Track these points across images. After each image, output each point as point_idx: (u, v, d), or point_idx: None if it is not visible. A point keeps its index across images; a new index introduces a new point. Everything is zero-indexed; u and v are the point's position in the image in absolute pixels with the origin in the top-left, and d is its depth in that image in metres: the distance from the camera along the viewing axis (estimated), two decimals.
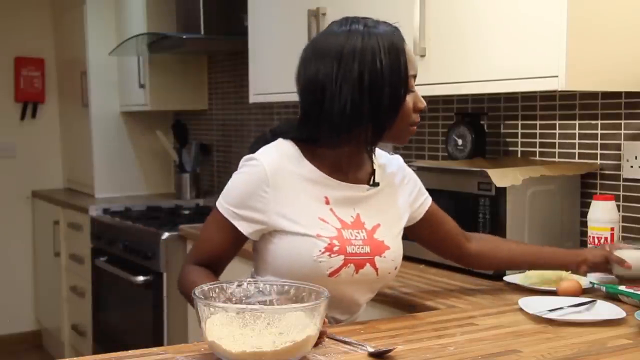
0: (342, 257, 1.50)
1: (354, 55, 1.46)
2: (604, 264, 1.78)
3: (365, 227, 1.56)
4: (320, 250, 1.49)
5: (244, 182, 1.51)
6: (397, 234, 1.63)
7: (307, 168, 1.53)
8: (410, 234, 1.72)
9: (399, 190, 1.66)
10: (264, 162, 1.50)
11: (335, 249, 1.50)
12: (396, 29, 1.53)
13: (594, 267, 1.80)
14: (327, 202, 1.53)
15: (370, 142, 1.52)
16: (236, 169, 1.55)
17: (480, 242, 1.81)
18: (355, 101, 1.45)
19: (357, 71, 1.45)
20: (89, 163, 4.29)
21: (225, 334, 1.17)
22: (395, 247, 1.59)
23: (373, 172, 1.60)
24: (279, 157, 1.52)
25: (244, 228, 1.51)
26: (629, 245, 1.81)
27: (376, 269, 1.55)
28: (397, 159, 1.70)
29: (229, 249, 1.56)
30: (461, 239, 1.78)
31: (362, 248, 1.53)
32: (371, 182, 1.59)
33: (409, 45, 1.54)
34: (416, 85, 1.53)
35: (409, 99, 1.50)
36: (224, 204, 1.52)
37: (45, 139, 4.79)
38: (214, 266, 1.56)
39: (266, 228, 1.51)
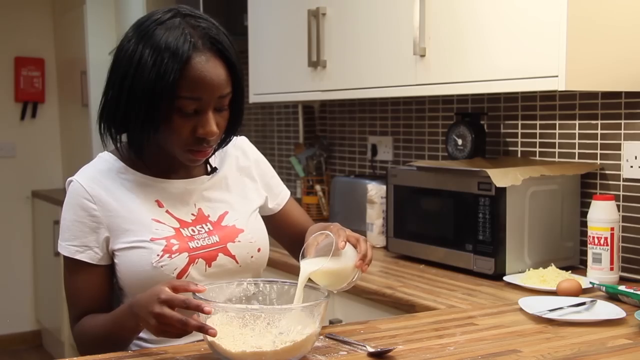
0: (185, 254, 1.39)
1: (122, 54, 1.34)
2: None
3: (210, 220, 1.45)
4: (157, 255, 1.37)
5: (71, 210, 1.41)
6: (250, 214, 1.51)
7: (131, 176, 1.43)
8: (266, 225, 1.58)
9: (247, 171, 1.57)
10: (80, 180, 1.43)
11: (175, 247, 1.38)
12: (206, 37, 1.32)
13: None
14: (161, 205, 1.43)
15: (135, 151, 1.39)
16: None
17: None
18: (114, 107, 1.35)
19: (120, 74, 1.33)
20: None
21: (225, 334, 1.17)
22: (250, 228, 1.48)
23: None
24: (94, 172, 1.44)
25: (92, 257, 1.40)
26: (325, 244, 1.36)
27: (233, 257, 1.44)
28: (242, 140, 1.60)
29: (101, 285, 1.42)
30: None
31: (209, 239, 1.42)
32: (209, 171, 1.50)
33: (200, 65, 1.30)
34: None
35: (183, 121, 1.32)
36: (64, 244, 1.41)
37: (45, 139, 4.79)
38: (100, 310, 1.42)
39: (108, 245, 1.41)
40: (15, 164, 4.71)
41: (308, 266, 1.29)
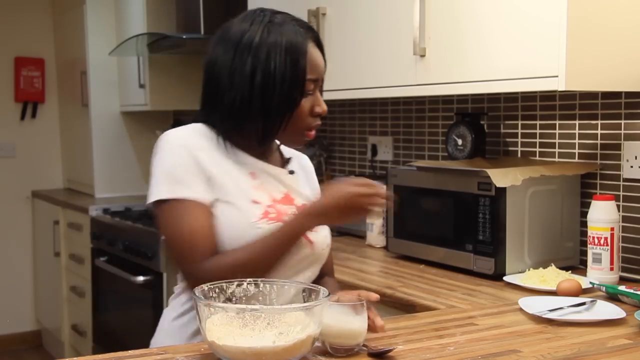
0: (280, 224, 1.41)
1: (250, 49, 1.42)
2: None
3: (296, 204, 1.50)
4: (257, 216, 1.42)
5: (170, 157, 1.42)
6: None
7: (228, 147, 1.47)
8: None
9: (311, 171, 1.66)
10: (178, 132, 1.45)
11: (272, 215, 1.43)
12: (308, 29, 1.48)
13: None
14: (255, 177, 1.48)
15: (260, 139, 1.47)
16: None
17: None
18: (244, 96, 1.42)
19: (250, 66, 1.42)
20: (89, 163, 4.29)
21: (225, 334, 1.17)
22: (323, 226, 1.54)
23: (286, 160, 1.58)
24: (191, 130, 1.47)
25: (202, 198, 1.40)
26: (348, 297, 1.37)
27: (311, 242, 1.48)
28: (305, 158, 1.67)
29: (212, 226, 1.41)
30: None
31: None
32: (288, 171, 1.56)
33: (313, 50, 1.46)
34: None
35: (306, 102, 1.45)
36: (166, 188, 1.40)
37: (45, 139, 4.79)
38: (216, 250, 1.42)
39: (209, 193, 1.42)
40: (15, 164, 4.71)
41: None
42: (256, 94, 1.42)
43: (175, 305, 1.54)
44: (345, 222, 1.40)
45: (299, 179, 1.58)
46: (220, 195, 1.42)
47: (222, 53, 1.46)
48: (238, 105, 1.43)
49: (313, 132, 1.50)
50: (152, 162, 1.45)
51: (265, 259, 1.39)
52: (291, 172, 1.56)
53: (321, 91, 1.51)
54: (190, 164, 1.41)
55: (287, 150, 1.62)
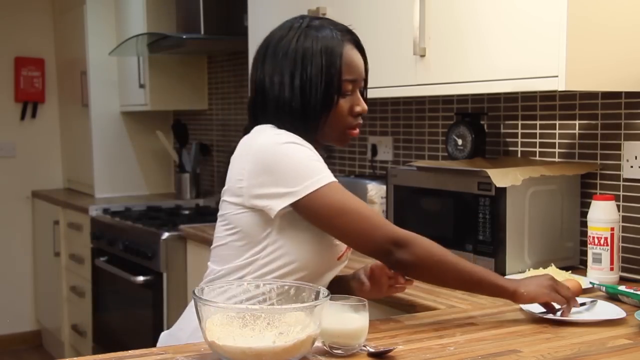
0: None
1: (287, 53, 1.49)
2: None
3: None
4: (338, 253, 1.52)
5: (300, 152, 1.44)
6: None
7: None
8: None
9: None
10: (289, 136, 1.47)
11: (340, 253, 1.53)
12: (346, 32, 1.54)
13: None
14: None
15: (307, 137, 1.49)
16: None
17: None
18: (285, 99, 1.48)
19: (288, 70, 1.48)
20: (89, 163, 4.29)
21: (225, 334, 1.17)
22: None
23: None
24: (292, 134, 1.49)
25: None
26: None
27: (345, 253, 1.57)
28: None
29: None
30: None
31: None
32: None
33: (351, 51, 1.53)
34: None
35: (345, 102, 1.51)
36: (321, 173, 1.43)
37: (45, 139, 4.79)
38: None
39: None
40: (15, 164, 4.71)
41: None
42: (296, 96, 1.47)
43: None
44: (536, 299, 1.49)
45: None
46: None
47: (267, 61, 1.51)
48: (280, 108, 1.48)
49: (356, 131, 1.56)
50: (277, 164, 1.42)
51: (457, 282, 1.49)
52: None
53: (362, 91, 1.57)
54: (317, 155, 1.47)
55: None
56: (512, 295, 1.47)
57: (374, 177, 2.83)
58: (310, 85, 1.47)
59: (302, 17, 1.56)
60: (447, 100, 2.64)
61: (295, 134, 1.48)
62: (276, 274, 1.45)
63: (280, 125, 1.49)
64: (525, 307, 1.57)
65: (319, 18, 1.56)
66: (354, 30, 1.57)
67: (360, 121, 1.56)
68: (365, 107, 1.56)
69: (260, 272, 1.46)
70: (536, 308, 1.55)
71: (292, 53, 1.48)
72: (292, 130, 1.48)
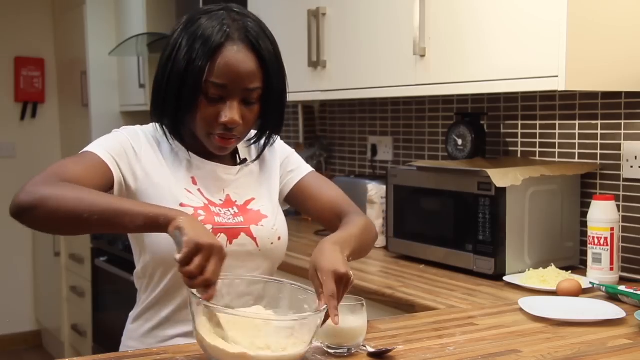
0: (209, 226, 1.38)
1: (170, 40, 1.39)
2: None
3: (237, 204, 1.47)
4: None
5: (115, 138, 1.42)
6: (276, 205, 1.53)
7: (176, 147, 1.46)
8: (289, 203, 1.60)
9: (274, 164, 1.57)
10: (130, 131, 1.45)
11: (201, 218, 1.38)
12: (245, 30, 1.36)
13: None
14: (194, 183, 1.44)
15: (170, 134, 1.44)
16: None
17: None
18: (158, 89, 1.40)
19: (165, 57, 1.39)
20: None
21: (219, 334, 1.16)
22: (274, 216, 1.49)
23: (242, 160, 1.52)
24: (141, 132, 1.46)
25: (116, 172, 1.38)
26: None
27: (254, 239, 1.43)
28: (274, 148, 1.58)
29: (93, 185, 1.36)
30: (335, 217, 1.55)
31: (235, 219, 1.44)
32: (238, 162, 1.51)
33: (233, 53, 1.35)
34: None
35: (211, 106, 1.36)
36: (101, 149, 1.39)
37: (45, 139, 4.79)
38: None
39: (132, 186, 1.40)
40: (15, 164, 4.71)
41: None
42: (163, 87, 1.38)
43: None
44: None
45: (253, 173, 1.52)
46: (149, 191, 1.40)
47: (173, 29, 1.43)
48: (154, 98, 1.42)
49: (225, 140, 1.39)
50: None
51: (113, 215, 1.25)
52: (243, 162, 1.51)
53: (247, 101, 1.38)
54: (126, 150, 1.40)
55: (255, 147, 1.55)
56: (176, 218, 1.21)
57: (374, 177, 2.83)
58: (176, 79, 1.35)
59: (223, 6, 1.40)
60: (447, 100, 2.64)
61: (162, 123, 1.43)
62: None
63: (153, 111, 1.43)
64: (525, 307, 1.57)
65: (236, 11, 1.40)
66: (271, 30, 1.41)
67: (228, 134, 1.38)
68: (230, 118, 1.35)
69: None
70: (536, 308, 1.55)
71: (175, 37, 1.38)
72: (160, 119, 1.43)
